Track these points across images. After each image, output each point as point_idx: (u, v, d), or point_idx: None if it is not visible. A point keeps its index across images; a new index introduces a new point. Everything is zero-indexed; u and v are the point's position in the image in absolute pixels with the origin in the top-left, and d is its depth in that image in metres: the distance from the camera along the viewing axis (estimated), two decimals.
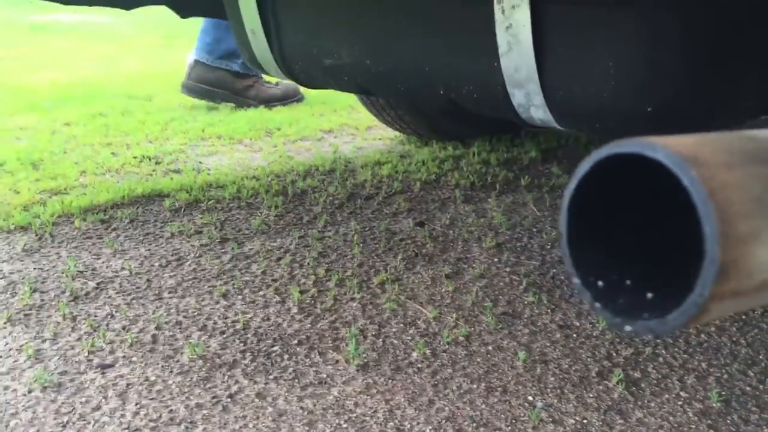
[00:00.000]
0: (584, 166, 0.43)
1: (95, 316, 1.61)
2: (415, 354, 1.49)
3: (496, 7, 1.33)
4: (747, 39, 1.27)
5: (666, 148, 0.39)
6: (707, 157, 0.39)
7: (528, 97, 1.38)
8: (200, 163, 2.85)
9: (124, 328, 1.56)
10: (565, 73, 1.31)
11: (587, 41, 1.27)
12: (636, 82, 1.27)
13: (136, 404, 1.30)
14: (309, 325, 1.58)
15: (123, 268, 1.85)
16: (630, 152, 0.40)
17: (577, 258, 0.45)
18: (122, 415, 1.27)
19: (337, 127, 3.50)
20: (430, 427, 1.26)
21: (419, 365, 1.45)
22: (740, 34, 1.26)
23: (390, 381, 1.39)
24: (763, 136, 0.43)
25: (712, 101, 1.35)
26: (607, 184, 0.45)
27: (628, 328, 0.42)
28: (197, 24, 4.20)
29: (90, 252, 1.94)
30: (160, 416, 1.27)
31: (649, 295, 0.43)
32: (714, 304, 0.39)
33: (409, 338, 1.55)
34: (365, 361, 1.45)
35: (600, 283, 0.45)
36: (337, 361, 1.45)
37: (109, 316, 1.60)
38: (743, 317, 1.62)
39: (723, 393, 1.36)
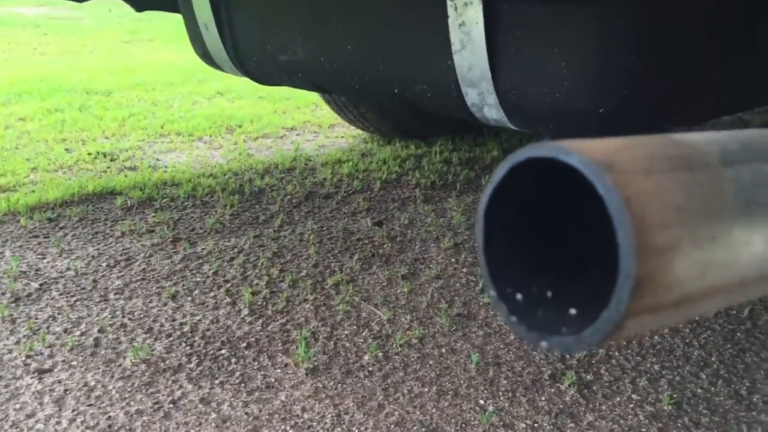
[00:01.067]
0: (500, 171, 0.40)
1: (36, 318, 1.55)
2: (366, 357, 1.46)
3: (449, 4, 1.30)
4: (702, 40, 1.26)
5: (580, 153, 0.36)
6: (625, 162, 0.36)
7: (482, 96, 1.35)
8: (157, 160, 2.79)
9: (65, 331, 1.50)
10: (518, 72, 1.28)
11: (540, 41, 1.25)
12: (588, 83, 1.25)
13: (73, 411, 1.25)
14: (259, 328, 1.54)
15: (68, 269, 1.78)
16: (544, 157, 0.38)
17: (494, 268, 0.42)
18: (58, 422, 1.22)
19: (300, 124, 3.45)
20: None
21: (370, 368, 1.42)
22: (695, 35, 1.25)
23: (340, 385, 1.36)
24: (689, 140, 0.41)
25: (667, 102, 1.34)
26: (527, 191, 0.42)
27: (543, 344, 0.39)
28: (162, 20, 4.12)
29: (35, 251, 1.88)
30: (98, 423, 1.22)
31: (573, 311, 0.41)
32: (631, 321, 0.36)
33: (362, 341, 1.52)
34: (315, 364, 1.42)
35: (519, 296, 0.42)
36: (287, 365, 1.42)
37: (51, 319, 1.55)
38: (696, 319, 1.62)
39: (675, 395, 1.35)
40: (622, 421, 1.28)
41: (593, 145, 0.36)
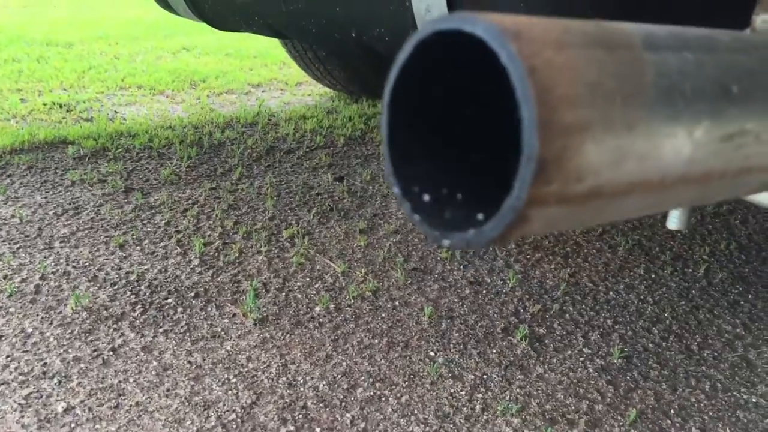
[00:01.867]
0: (406, 50, 0.36)
1: None
2: (318, 308, 1.42)
3: None
4: None
5: (486, 22, 0.32)
6: (534, 32, 0.32)
7: None
8: (115, 112, 2.70)
9: (4, 278, 1.44)
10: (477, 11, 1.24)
11: None
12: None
13: (7, 357, 1.20)
14: (209, 278, 1.50)
15: (13, 216, 1.72)
16: (450, 28, 0.34)
17: (398, 164, 0.38)
18: None
19: (266, 81, 3.38)
20: (324, 382, 1.20)
21: (321, 320, 1.39)
22: None
23: (288, 335, 1.33)
24: (614, 24, 0.37)
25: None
26: (437, 75, 0.38)
27: (446, 241, 0.36)
28: None
29: None
30: (32, 370, 1.18)
31: (480, 215, 0.37)
32: (535, 211, 0.33)
33: (314, 293, 1.48)
34: (264, 315, 1.38)
35: (426, 196, 0.38)
36: (234, 315, 1.38)
37: None
38: (652, 275, 1.61)
39: (626, 350, 1.34)
40: (571, 374, 1.27)
41: (504, 16, 0.33)
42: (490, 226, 0.33)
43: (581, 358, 1.31)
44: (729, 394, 1.24)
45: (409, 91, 0.37)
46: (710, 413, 1.19)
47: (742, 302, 1.53)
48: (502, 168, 0.39)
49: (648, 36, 0.36)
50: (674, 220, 0.80)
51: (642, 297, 1.53)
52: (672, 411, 1.19)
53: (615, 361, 1.31)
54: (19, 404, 1.09)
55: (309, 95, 3.16)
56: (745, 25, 0.63)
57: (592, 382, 1.25)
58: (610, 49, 0.34)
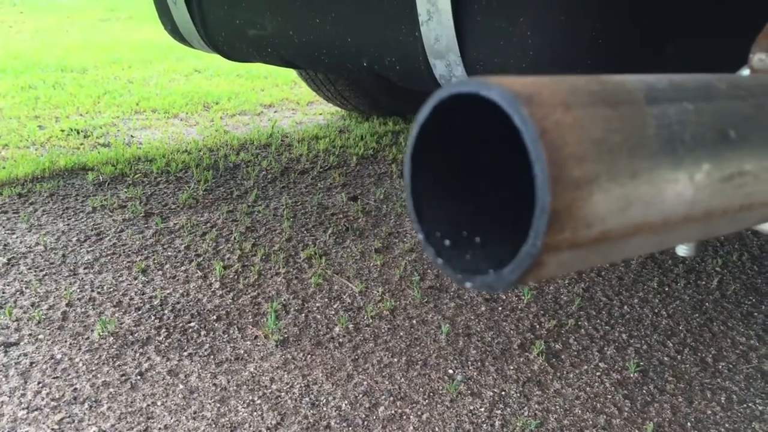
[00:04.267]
0: (425, 110, 0.39)
1: (3, 292, 1.53)
2: (337, 329, 1.45)
3: None
4: (666, 7, 1.26)
5: (500, 86, 0.35)
6: (544, 95, 0.35)
7: (449, 68, 1.34)
8: (132, 137, 2.76)
9: (32, 305, 1.48)
10: (484, 43, 1.27)
11: (505, 11, 1.24)
12: (553, 54, 1.24)
13: (39, 383, 1.24)
14: (230, 301, 1.54)
15: (38, 243, 1.77)
16: (466, 92, 0.37)
17: (421, 212, 0.41)
18: (23, 395, 1.21)
19: (278, 101, 3.43)
20: (346, 402, 1.23)
21: (341, 340, 1.42)
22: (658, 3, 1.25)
23: (309, 356, 1.36)
24: (616, 79, 0.40)
25: (635, 71, 1.33)
26: (456, 133, 0.42)
27: (468, 284, 0.39)
28: None
29: (4, 227, 1.85)
30: (63, 395, 1.21)
31: (499, 256, 0.40)
32: (550, 257, 0.36)
33: (333, 313, 1.51)
34: (285, 336, 1.42)
35: (447, 242, 0.42)
36: (256, 337, 1.41)
37: (18, 293, 1.53)
38: (666, 288, 1.63)
39: (641, 363, 1.36)
40: (588, 389, 1.29)
41: (515, 80, 0.36)
42: (509, 270, 0.36)
43: (597, 373, 1.33)
44: (744, 405, 1.26)
45: (429, 145, 0.41)
46: (726, 425, 1.21)
47: (755, 313, 1.54)
48: (518, 208, 0.43)
49: (649, 90, 0.39)
50: (683, 248, 0.82)
51: (656, 310, 1.55)
52: (689, 424, 1.20)
53: (631, 375, 1.33)
54: (53, 429, 1.13)
55: (320, 114, 3.21)
56: (743, 63, 0.66)
57: (609, 396, 1.27)
58: (614, 106, 0.37)
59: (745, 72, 0.67)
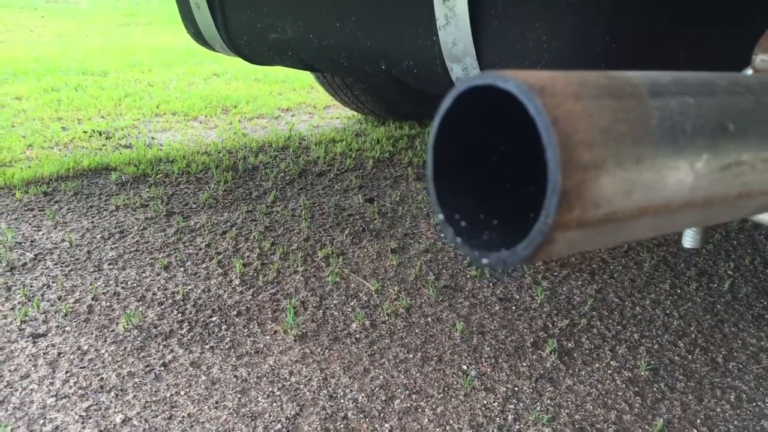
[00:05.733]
0: (446, 102, 0.43)
1: (31, 286, 1.58)
2: (354, 325, 1.49)
3: None
4: (679, 11, 1.29)
5: (516, 79, 0.39)
6: (556, 87, 0.39)
7: (466, 71, 1.38)
8: (152, 138, 2.81)
9: (59, 299, 1.53)
10: (500, 47, 1.31)
11: (521, 15, 1.27)
12: (569, 57, 1.27)
13: (67, 372, 1.29)
14: (250, 297, 1.58)
15: (63, 240, 1.82)
16: (484, 84, 0.41)
17: (442, 195, 0.45)
18: (51, 383, 1.26)
19: (295, 105, 3.48)
20: (363, 394, 1.27)
21: (357, 335, 1.45)
22: (672, 7, 1.28)
23: (327, 351, 1.40)
24: (622, 74, 0.44)
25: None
26: (474, 122, 0.45)
27: (484, 260, 0.43)
28: (159, 4, 4.13)
29: (30, 224, 1.91)
30: (90, 384, 1.26)
31: (512, 236, 0.44)
32: (559, 234, 0.39)
33: (350, 310, 1.55)
34: (303, 331, 1.46)
35: (463, 223, 0.45)
36: (276, 332, 1.45)
37: (45, 287, 1.58)
38: (678, 290, 1.65)
39: (652, 362, 1.39)
40: (599, 386, 1.32)
41: (529, 73, 0.40)
42: (522, 246, 0.39)
43: (609, 371, 1.36)
44: (754, 404, 1.28)
45: (450, 134, 0.44)
46: (735, 422, 1.23)
47: (766, 316, 1.56)
48: (532, 191, 0.46)
49: (653, 85, 0.42)
50: (689, 240, 0.85)
51: (668, 312, 1.57)
52: (698, 420, 1.23)
53: (642, 374, 1.35)
54: (81, 416, 1.17)
55: (337, 118, 3.25)
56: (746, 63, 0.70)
57: (620, 393, 1.30)
58: (620, 98, 0.41)
59: (748, 72, 0.70)
